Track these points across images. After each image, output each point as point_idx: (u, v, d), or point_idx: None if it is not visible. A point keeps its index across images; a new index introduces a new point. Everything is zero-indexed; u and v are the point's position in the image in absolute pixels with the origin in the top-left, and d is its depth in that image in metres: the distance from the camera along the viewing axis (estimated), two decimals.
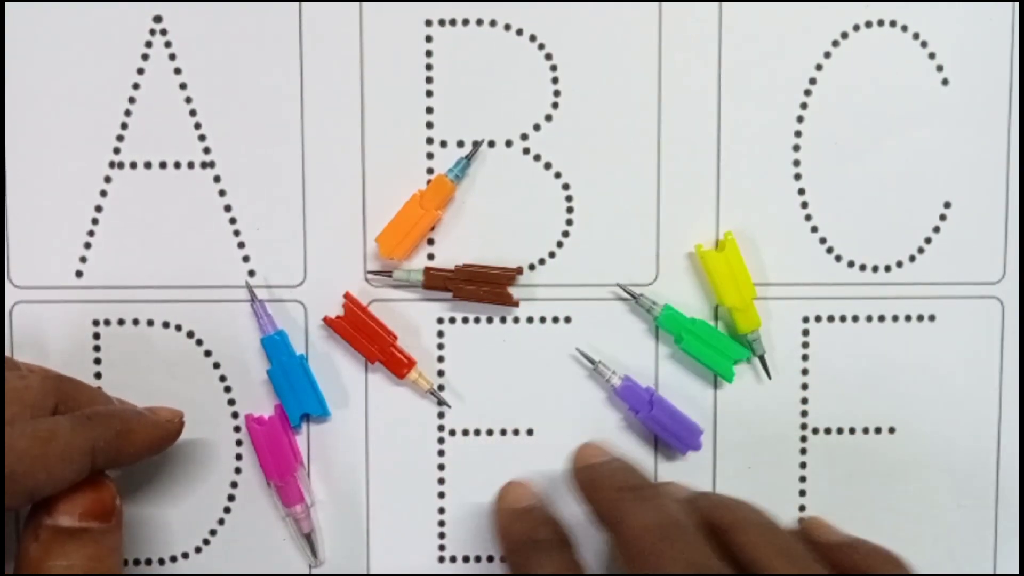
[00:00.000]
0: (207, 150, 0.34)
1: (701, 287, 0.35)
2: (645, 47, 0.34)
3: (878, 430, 0.36)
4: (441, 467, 0.36)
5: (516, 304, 0.34)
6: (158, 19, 0.34)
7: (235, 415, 0.35)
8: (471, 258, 0.35)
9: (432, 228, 0.34)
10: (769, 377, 0.35)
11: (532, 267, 0.35)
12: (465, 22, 0.34)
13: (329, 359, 0.35)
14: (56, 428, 0.28)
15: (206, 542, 0.35)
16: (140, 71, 0.34)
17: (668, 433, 0.34)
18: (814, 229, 0.35)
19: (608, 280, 0.35)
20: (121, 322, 0.35)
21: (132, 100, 0.34)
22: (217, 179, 0.34)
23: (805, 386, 0.36)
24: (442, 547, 0.36)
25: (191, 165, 0.34)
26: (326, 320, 0.34)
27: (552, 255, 0.35)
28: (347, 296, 0.34)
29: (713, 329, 0.34)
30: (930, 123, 0.35)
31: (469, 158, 0.34)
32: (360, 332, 0.34)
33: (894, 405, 0.36)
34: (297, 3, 0.34)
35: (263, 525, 0.35)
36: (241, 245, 0.35)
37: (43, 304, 0.35)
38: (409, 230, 0.34)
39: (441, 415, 0.35)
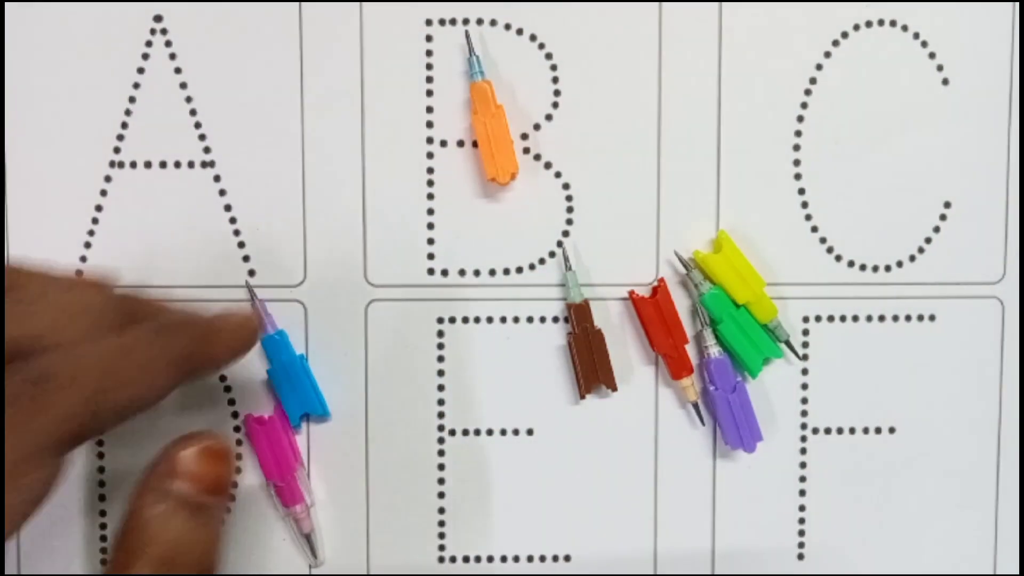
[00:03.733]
0: (207, 150, 0.34)
1: None
2: (645, 47, 0.34)
3: (878, 430, 0.36)
4: (441, 467, 0.35)
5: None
6: (158, 19, 0.34)
7: (235, 415, 0.35)
8: (472, 258, 0.35)
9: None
10: (799, 357, 0.35)
11: (532, 267, 0.35)
12: (465, 22, 0.34)
13: (329, 359, 0.35)
14: (134, 340, 0.26)
15: None
16: (140, 71, 0.34)
17: (732, 422, 0.34)
18: (814, 229, 0.35)
19: (608, 280, 0.35)
20: None
21: (132, 100, 0.34)
22: (217, 179, 0.34)
23: (805, 386, 0.36)
24: (442, 547, 0.36)
25: (191, 165, 0.34)
26: (631, 295, 0.34)
27: (552, 255, 0.35)
28: (661, 282, 0.34)
29: (755, 321, 0.34)
30: (930, 123, 0.35)
31: (472, 51, 0.34)
32: (664, 319, 0.34)
33: (894, 405, 0.36)
34: (297, 3, 0.34)
35: (263, 525, 0.35)
36: (241, 245, 0.35)
37: None
38: (500, 144, 0.33)
39: (441, 415, 0.35)
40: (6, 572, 0.35)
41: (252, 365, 0.35)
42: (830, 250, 0.35)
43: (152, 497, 0.27)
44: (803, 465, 0.36)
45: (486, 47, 0.34)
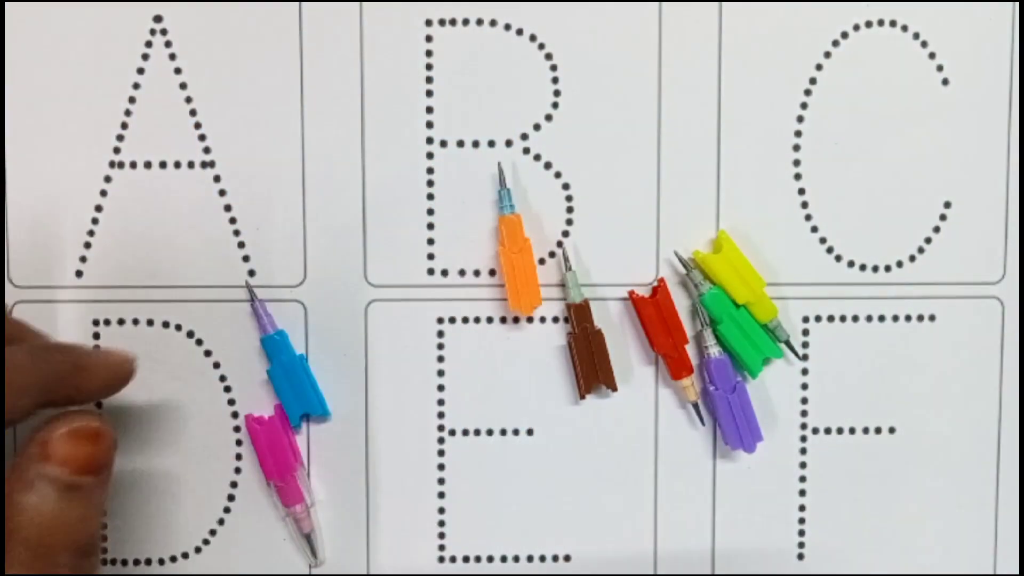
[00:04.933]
0: (207, 150, 0.34)
1: None
2: (645, 47, 0.34)
3: (878, 430, 0.36)
4: (441, 467, 0.36)
5: None
6: (158, 19, 0.34)
7: (235, 415, 0.35)
8: (472, 258, 0.35)
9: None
10: (799, 358, 0.35)
11: None
12: (465, 22, 0.34)
13: (329, 359, 0.35)
14: (12, 358, 0.27)
15: (206, 542, 0.35)
16: (140, 71, 0.34)
17: (732, 422, 0.34)
18: (814, 229, 0.35)
19: (608, 280, 0.35)
20: (121, 322, 0.35)
21: (132, 100, 0.34)
22: (217, 179, 0.34)
23: (805, 386, 0.36)
24: (442, 547, 0.36)
25: (191, 165, 0.34)
26: (631, 295, 0.34)
27: (552, 255, 0.35)
28: (661, 282, 0.34)
29: (755, 321, 0.34)
30: (930, 123, 0.35)
31: (503, 183, 0.34)
32: (664, 319, 0.34)
33: (894, 405, 0.36)
34: (297, 3, 0.34)
35: (263, 525, 0.35)
36: (241, 245, 0.35)
37: (43, 304, 0.35)
38: (526, 279, 0.34)
39: (441, 415, 0.35)
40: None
41: (252, 365, 0.35)
42: (830, 250, 0.35)
43: (23, 482, 0.27)
44: (803, 465, 0.36)
45: (486, 47, 0.34)
